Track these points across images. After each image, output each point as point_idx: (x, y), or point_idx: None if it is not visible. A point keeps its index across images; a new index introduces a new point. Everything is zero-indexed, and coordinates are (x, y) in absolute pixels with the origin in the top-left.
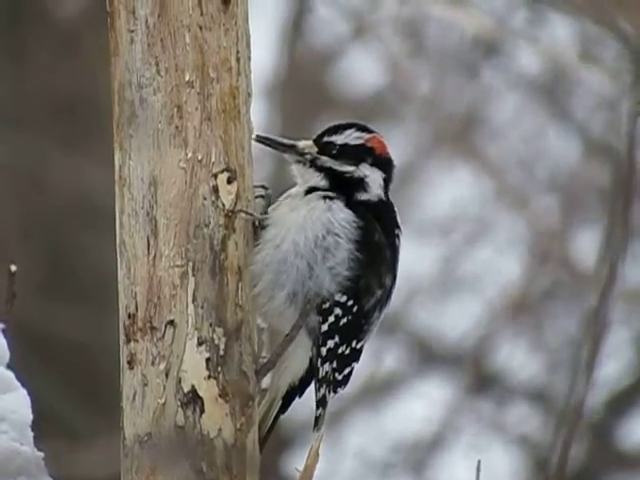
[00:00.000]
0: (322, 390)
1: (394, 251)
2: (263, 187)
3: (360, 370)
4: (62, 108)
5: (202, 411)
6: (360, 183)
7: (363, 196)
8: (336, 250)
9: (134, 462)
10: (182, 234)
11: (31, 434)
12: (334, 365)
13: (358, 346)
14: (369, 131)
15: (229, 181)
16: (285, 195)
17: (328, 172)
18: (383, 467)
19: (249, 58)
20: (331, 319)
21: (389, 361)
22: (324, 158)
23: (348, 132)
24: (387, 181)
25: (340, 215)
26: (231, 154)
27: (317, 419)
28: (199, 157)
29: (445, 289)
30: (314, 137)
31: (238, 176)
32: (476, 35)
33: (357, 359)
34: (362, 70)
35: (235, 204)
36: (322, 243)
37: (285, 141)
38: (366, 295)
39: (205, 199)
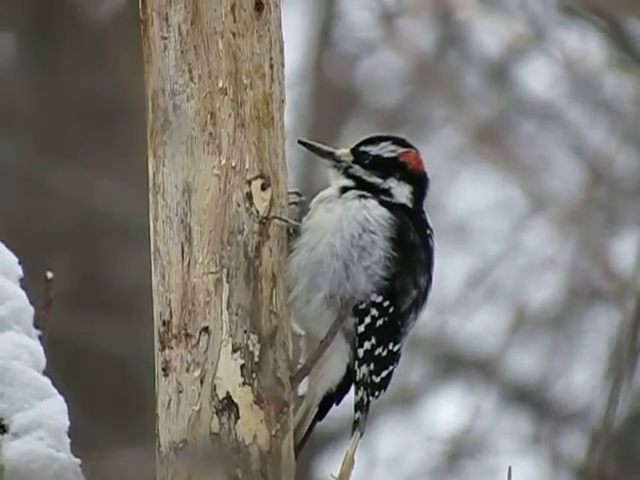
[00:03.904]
0: (360, 393)
1: (428, 252)
2: (297, 194)
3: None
4: (94, 119)
5: (237, 418)
6: (385, 193)
7: (387, 199)
8: (372, 249)
9: (170, 469)
10: (216, 241)
11: (68, 440)
12: (371, 367)
13: (395, 348)
14: (404, 145)
15: (263, 188)
16: (318, 198)
17: (358, 181)
18: (416, 474)
19: (282, 64)
20: (367, 320)
21: (420, 369)
22: (356, 167)
23: (383, 144)
24: (417, 195)
25: (376, 212)
26: (265, 161)
27: (356, 423)
28: (233, 164)
29: (475, 298)
30: (352, 146)
31: (272, 182)
32: (507, 40)
33: (395, 362)
34: (390, 75)
35: (269, 211)
36: (358, 242)
37: (325, 148)
38: (402, 295)
39: (239, 206)
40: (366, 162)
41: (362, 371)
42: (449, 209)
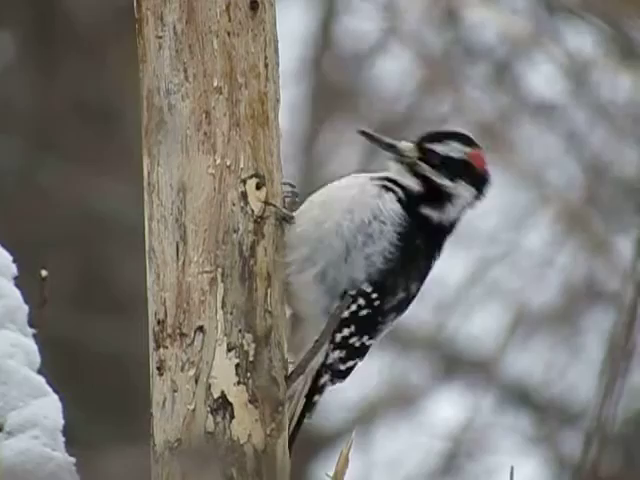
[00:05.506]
0: (325, 376)
1: (428, 266)
2: (290, 184)
3: (390, 379)
4: (94, 118)
5: (232, 417)
6: (448, 199)
7: (431, 212)
8: (378, 239)
9: (164, 468)
10: (211, 240)
11: (62, 439)
12: (342, 355)
13: (368, 343)
14: (471, 145)
15: (258, 187)
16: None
17: (424, 180)
18: (415, 474)
19: (277, 64)
20: (353, 307)
21: (420, 369)
22: (424, 166)
23: (452, 144)
24: (477, 197)
25: (390, 205)
26: (260, 160)
27: (314, 405)
28: (228, 163)
29: (474, 298)
30: (416, 140)
31: (267, 182)
32: (506, 35)
33: (362, 356)
34: (392, 74)
35: (264, 210)
36: (367, 229)
37: (387, 140)
38: (390, 293)
39: (234, 205)
40: (435, 162)
41: (334, 356)
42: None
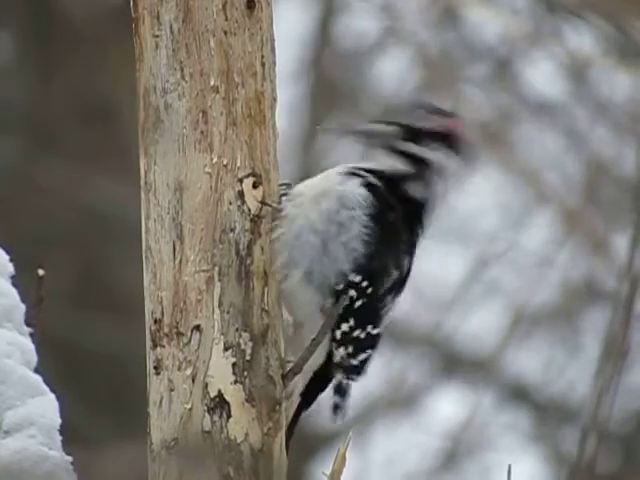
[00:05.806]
0: (338, 376)
1: (413, 243)
2: (288, 185)
3: (388, 377)
4: (93, 117)
5: (229, 416)
6: (434, 173)
7: (416, 189)
8: (351, 224)
9: (161, 467)
10: (208, 239)
11: (59, 438)
12: (349, 350)
13: (374, 332)
14: (449, 115)
15: (255, 186)
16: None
17: (409, 157)
18: (414, 473)
19: (274, 63)
20: (345, 301)
21: (419, 367)
22: (405, 143)
23: (429, 117)
24: (463, 166)
25: (355, 190)
26: (256, 159)
27: (335, 407)
28: (224, 162)
29: (473, 296)
30: (391, 120)
31: (264, 181)
32: (506, 35)
33: (374, 346)
34: (391, 74)
35: (261, 209)
36: (336, 217)
37: (359, 127)
38: (381, 276)
39: (231, 204)
40: (415, 137)
41: (340, 353)
42: (448, 207)
